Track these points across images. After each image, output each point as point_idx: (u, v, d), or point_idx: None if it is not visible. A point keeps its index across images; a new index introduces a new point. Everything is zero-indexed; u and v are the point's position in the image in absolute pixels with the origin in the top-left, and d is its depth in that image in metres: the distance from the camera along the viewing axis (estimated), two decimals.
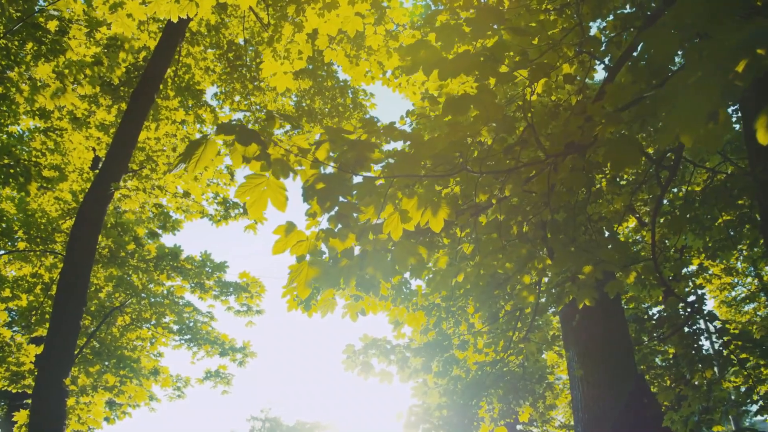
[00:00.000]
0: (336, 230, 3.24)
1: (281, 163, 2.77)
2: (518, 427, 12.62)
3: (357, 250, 3.78)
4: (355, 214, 3.48)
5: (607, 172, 7.01)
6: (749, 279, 19.42)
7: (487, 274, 7.29)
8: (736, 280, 18.94)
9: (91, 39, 6.88)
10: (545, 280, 6.85)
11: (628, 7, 6.32)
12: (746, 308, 20.03)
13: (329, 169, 3.40)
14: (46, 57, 7.21)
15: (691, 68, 1.64)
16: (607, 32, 6.28)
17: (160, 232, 10.53)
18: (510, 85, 5.42)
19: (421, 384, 7.96)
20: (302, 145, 3.11)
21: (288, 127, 13.55)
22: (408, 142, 3.56)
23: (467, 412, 8.25)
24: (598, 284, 7.55)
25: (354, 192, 3.19)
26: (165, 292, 11.81)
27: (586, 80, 6.31)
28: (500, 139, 3.72)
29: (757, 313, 19.61)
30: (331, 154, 3.27)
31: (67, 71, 6.82)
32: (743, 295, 19.32)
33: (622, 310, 9.44)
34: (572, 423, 13.82)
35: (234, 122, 2.92)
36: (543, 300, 6.56)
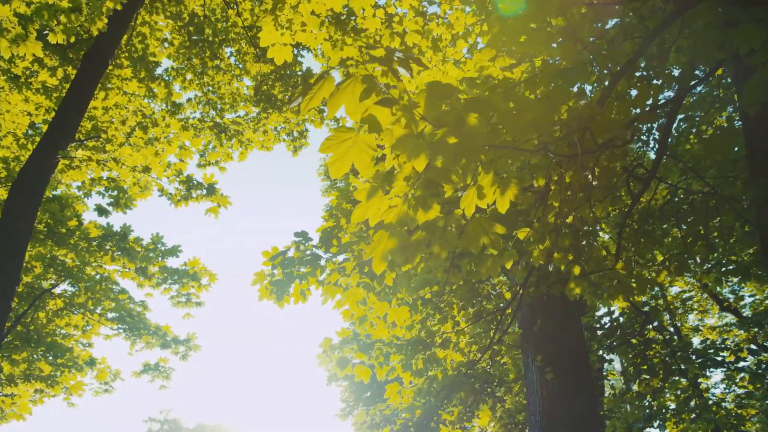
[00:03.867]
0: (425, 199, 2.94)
1: (409, 111, 2.43)
2: None
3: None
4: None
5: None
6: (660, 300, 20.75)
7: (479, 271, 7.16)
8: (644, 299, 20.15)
9: None
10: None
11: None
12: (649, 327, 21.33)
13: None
14: None
15: None
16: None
17: (110, 209, 9.59)
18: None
19: (395, 383, 7.69)
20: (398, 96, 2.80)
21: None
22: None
23: (433, 414, 8.06)
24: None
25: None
26: (98, 276, 10.80)
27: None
28: (569, 123, 3.56)
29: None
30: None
31: (31, 13, 6.02)
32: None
33: (580, 317, 9.62)
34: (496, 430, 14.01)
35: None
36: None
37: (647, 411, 10.43)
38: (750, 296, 15.00)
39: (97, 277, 10.75)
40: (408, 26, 7.08)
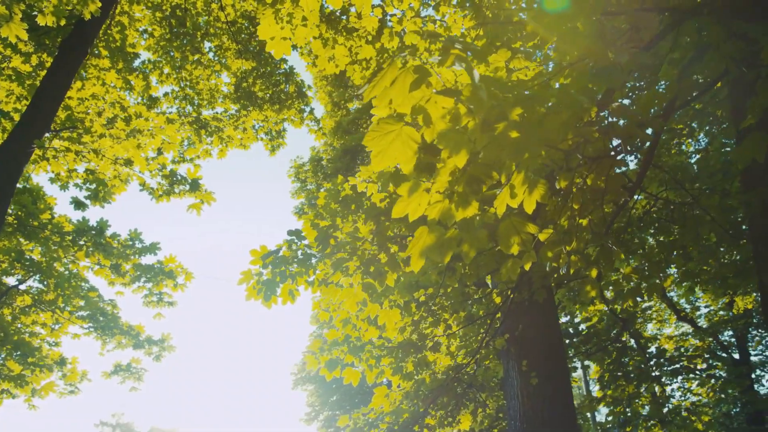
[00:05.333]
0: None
1: (469, 103, 2.37)
2: None
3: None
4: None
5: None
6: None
7: (474, 274, 7.14)
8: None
9: None
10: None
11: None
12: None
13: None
14: None
15: None
16: None
17: (87, 202, 9.17)
18: None
19: (384, 386, 7.60)
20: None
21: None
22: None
23: (417, 418, 8.00)
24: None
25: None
26: (67, 273, 10.33)
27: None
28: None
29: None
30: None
31: None
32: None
33: (559, 323, 9.71)
34: None
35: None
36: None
37: (621, 417, 10.62)
38: (705, 307, 15.45)
39: (66, 273, 10.30)
40: (408, 26, 7.04)
